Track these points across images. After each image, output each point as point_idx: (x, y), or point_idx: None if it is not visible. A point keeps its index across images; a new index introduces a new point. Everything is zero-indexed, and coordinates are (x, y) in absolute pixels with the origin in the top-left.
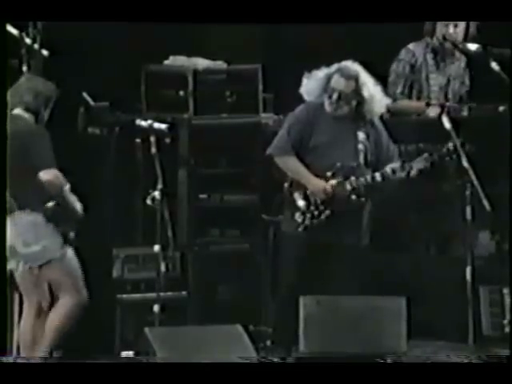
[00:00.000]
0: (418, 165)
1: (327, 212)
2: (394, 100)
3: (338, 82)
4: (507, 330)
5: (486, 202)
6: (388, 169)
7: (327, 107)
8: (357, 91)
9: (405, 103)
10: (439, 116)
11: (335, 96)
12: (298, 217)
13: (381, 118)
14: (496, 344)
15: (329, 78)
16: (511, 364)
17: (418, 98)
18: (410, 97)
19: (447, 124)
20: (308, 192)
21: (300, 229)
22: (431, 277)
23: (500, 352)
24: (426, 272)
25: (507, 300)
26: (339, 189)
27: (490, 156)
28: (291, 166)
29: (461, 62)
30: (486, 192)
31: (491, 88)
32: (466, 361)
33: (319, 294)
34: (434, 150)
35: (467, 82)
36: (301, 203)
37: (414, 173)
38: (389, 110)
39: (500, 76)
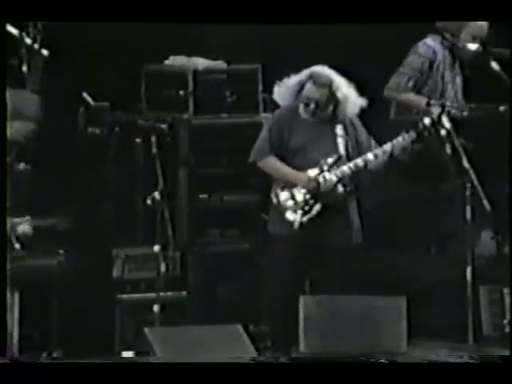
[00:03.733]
0: (398, 145)
1: (318, 206)
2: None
3: (312, 91)
4: (507, 330)
5: (486, 202)
6: (370, 154)
7: (303, 114)
8: (331, 96)
9: (407, 96)
10: (439, 116)
11: (312, 106)
12: (289, 215)
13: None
14: (496, 344)
15: (301, 84)
16: (511, 364)
17: (429, 97)
18: (419, 93)
19: (447, 124)
20: (294, 190)
21: (295, 226)
22: (431, 277)
23: (500, 352)
24: (426, 272)
25: (507, 300)
26: (326, 183)
27: (489, 156)
28: (272, 166)
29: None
30: (486, 192)
31: (491, 88)
32: (465, 361)
33: (311, 294)
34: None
35: (460, 80)
36: (290, 202)
37: (396, 152)
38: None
39: (500, 76)
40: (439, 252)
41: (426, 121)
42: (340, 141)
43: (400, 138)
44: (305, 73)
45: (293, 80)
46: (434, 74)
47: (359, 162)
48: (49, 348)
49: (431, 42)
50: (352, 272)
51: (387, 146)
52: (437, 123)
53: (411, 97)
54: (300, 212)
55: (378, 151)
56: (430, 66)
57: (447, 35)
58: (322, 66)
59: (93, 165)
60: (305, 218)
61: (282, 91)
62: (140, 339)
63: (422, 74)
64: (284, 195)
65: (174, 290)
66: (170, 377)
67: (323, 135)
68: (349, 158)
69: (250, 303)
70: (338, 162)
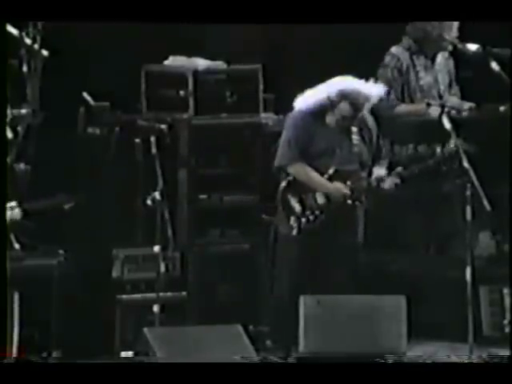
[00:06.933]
0: (411, 174)
1: (322, 217)
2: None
3: (349, 112)
4: (507, 330)
5: (486, 202)
6: (388, 181)
7: (332, 123)
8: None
9: (404, 108)
10: (439, 116)
11: (347, 122)
12: (293, 221)
13: (374, 115)
14: (496, 344)
15: (331, 101)
16: (511, 364)
17: (411, 100)
18: (403, 99)
19: (447, 124)
20: (303, 196)
21: (294, 233)
22: (431, 277)
23: (500, 352)
24: (426, 272)
25: (507, 300)
26: (338, 194)
27: (490, 156)
28: (303, 173)
29: (444, 53)
30: (486, 192)
31: (491, 88)
32: (466, 361)
33: (318, 294)
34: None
35: (453, 70)
36: (297, 207)
37: (408, 177)
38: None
39: (500, 76)
40: (439, 252)
41: (446, 152)
42: (356, 150)
43: (414, 168)
44: (334, 90)
45: (321, 94)
46: (406, 79)
47: (373, 180)
48: (49, 348)
49: (395, 50)
50: (352, 272)
51: (400, 171)
52: (455, 157)
53: (407, 108)
54: (303, 220)
55: (393, 172)
56: (400, 73)
57: (411, 40)
58: (348, 81)
59: (93, 165)
60: (307, 226)
61: (305, 103)
62: (140, 339)
63: (396, 81)
64: (293, 199)
65: (174, 290)
66: (170, 377)
67: (341, 141)
68: (362, 167)
69: (250, 303)
70: (341, 175)
